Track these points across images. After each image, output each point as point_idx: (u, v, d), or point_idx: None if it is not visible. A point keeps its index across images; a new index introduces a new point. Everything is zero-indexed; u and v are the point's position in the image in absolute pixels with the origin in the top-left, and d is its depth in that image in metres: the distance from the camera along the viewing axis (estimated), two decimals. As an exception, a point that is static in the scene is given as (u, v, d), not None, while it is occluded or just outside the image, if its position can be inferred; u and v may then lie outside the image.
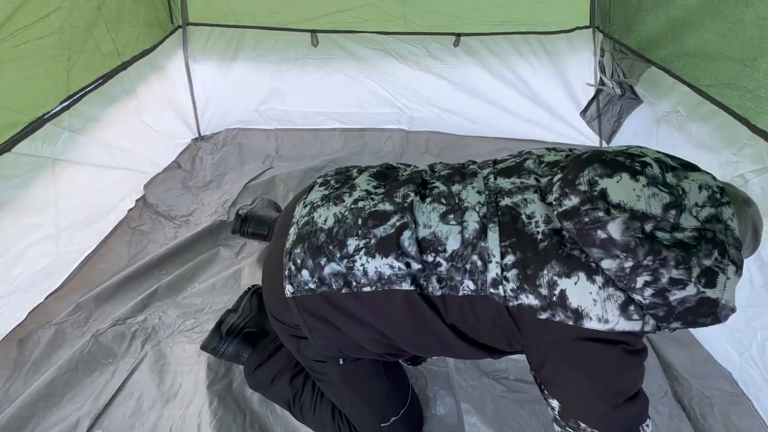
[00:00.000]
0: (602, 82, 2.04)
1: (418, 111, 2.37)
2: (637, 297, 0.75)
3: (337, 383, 1.07)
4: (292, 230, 0.96)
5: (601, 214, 0.76)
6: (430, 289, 0.85)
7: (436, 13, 2.13)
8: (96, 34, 1.64)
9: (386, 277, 0.86)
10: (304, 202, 1.01)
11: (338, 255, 0.88)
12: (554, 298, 0.78)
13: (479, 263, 0.83)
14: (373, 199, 0.94)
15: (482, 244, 0.83)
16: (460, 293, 0.84)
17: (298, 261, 0.91)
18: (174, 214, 1.89)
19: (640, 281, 0.73)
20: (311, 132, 2.41)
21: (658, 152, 0.83)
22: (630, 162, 0.79)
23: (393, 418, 1.10)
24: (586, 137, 2.26)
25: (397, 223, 0.88)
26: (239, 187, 2.05)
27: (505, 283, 0.81)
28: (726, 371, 1.33)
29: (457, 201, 0.89)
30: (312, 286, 0.89)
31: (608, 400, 0.81)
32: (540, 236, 0.80)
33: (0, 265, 1.34)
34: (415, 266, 0.85)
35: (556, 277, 0.77)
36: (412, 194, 0.92)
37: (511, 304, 0.81)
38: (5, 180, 1.32)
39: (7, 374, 1.30)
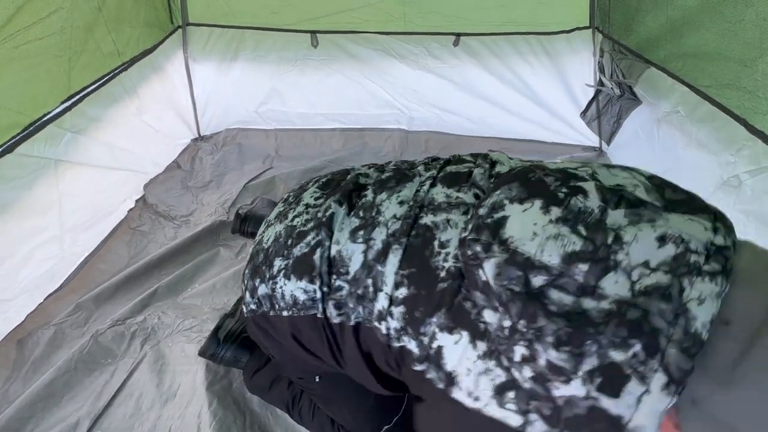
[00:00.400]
0: (601, 83, 2.04)
1: (418, 111, 2.37)
2: (516, 375, 0.56)
3: (320, 395, 1.05)
4: (252, 249, 0.93)
5: (478, 248, 0.60)
6: (328, 314, 0.76)
7: (436, 14, 2.13)
8: (96, 34, 1.64)
9: (300, 302, 0.78)
10: (266, 220, 0.97)
11: (267, 276, 0.82)
12: (432, 351, 0.63)
13: (371, 289, 0.71)
14: (308, 213, 0.85)
15: (379, 267, 0.70)
16: (352, 321, 0.74)
17: (245, 281, 0.88)
18: (174, 215, 1.89)
19: (517, 352, 0.55)
20: (311, 132, 2.42)
21: (640, 179, 0.62)
22: (557, 186, 0.61)
23: (385, 427, 1.07)
24: (585, 137, 2.26)
25: (312, 242, 0.78)
26: (239, 187, 2.05)
27: (389, 319, 0.68)
28: None
29: (373, 214, 0.77)
30: (253, 306, 0.87)
31: None
32: (443, 274, 0.65)
33: (6, 269, 1.34)
34: (324, 289, 0.76)
35: (437, 330, 0.63)
36: (334, 205, 0.81)
37: (392, 344, 0.69)
38: (8, 181, 1.32)
39: (6, 375, 1.30)
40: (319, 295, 0.76)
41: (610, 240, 0.54)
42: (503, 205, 0.63)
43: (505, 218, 0.61)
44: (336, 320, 0.76)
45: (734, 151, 1.27)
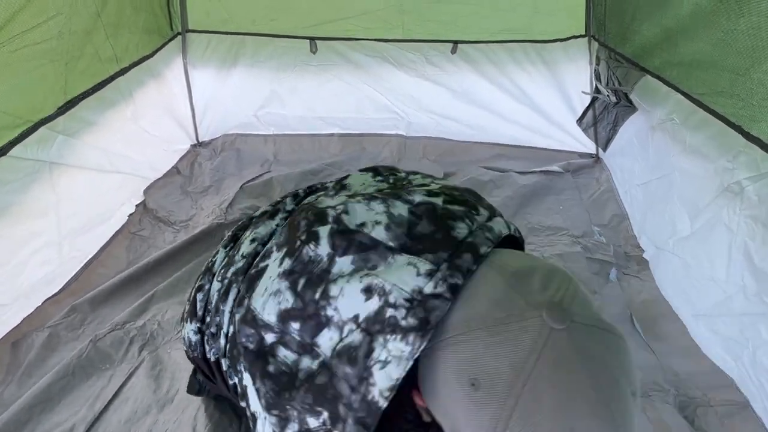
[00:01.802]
0: (597, 90, 2.06)
1: (416, 117, 2.38)
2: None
3: None
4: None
5: (238, 303, 0.66)
6: (206, 350, 0.78)
7: (433, 22, 2.15)
8: (95, 40, 1.64)
9: (193, 343, 0.80)
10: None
11: (184, 315, 0.87)
12: (240, 390, 0.63)
13: (215, 328, 0.74)
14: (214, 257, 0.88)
15: (221, 306, 0.72)
16: (213, 358, 0.76)
17: None
18: (173, 220, 1.89)
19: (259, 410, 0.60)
20: (309, 137, 2.42)
21: (389, 212, 0.56)
22: (302, 231, 0.57)
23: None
24: (582, 144, 2.28)
25: (196, 284, 0.82)
26: (236, 189, 2.06)
27: (225, 359, 0.71)
28: (731, 379, 1.28)
29: (235, 252, 0.77)
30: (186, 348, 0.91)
31: None
32: None
33: (2, 273, 1.33)
34: (201, 326, 0.78)
35: (243, 370, 0.60)
36: (221, 250, 0.83)
37: (230, 381, 0.70)
38: (3, 185, 1.32)
39: (1, 378, 1.29)
40: (198, 337, 0.78)
41: (317, 295, 0.49)
42: (270, 254, 0.59)
43: (264, 269, 0.58)
44: (211, 357, 0.77)
45: (731, 158, 1.28)
